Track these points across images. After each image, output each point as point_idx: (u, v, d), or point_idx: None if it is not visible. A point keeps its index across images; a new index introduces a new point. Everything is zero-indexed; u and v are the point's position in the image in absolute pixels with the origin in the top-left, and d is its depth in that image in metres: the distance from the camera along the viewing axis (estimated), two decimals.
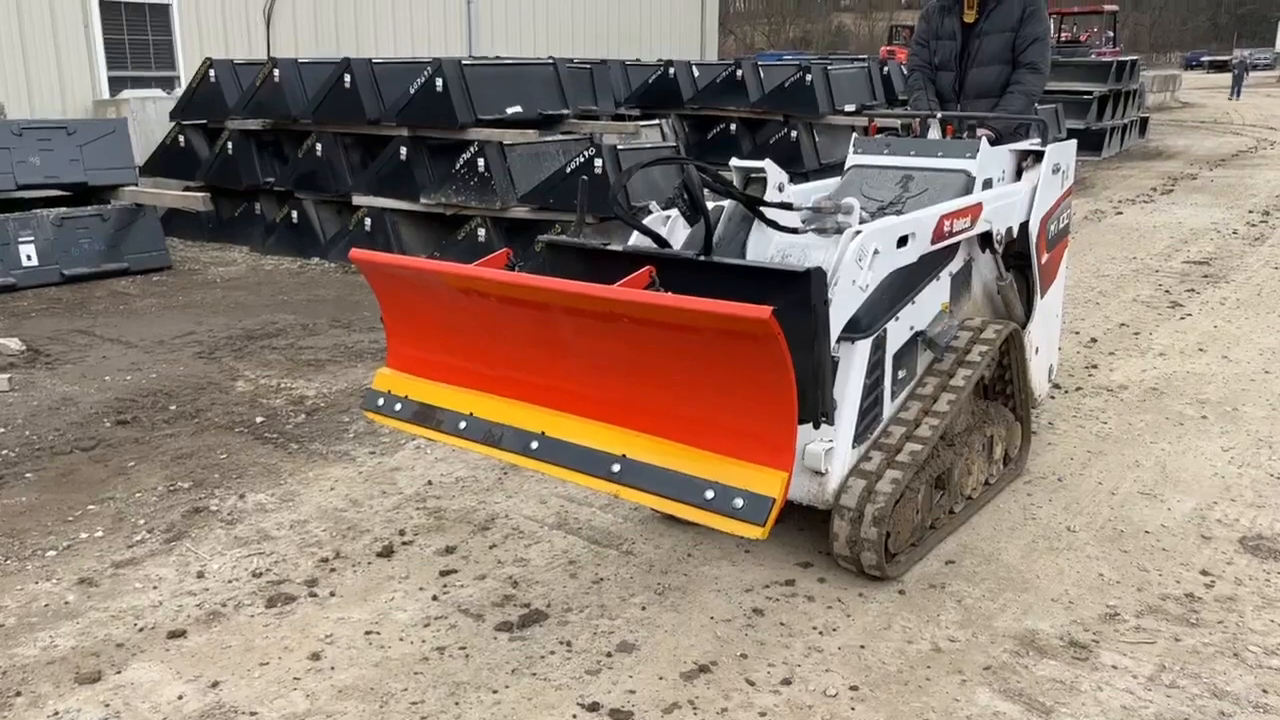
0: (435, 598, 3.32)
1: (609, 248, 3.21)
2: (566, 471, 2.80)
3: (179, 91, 11.52)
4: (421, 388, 3.14)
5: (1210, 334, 6.57)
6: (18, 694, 2.82)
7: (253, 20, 13.65)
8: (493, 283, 2.90)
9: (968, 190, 4.13)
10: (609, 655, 2.99)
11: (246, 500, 4.08)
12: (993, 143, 4.40)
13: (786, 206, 3.53)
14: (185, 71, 12.49)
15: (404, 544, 3.70)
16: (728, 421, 2.54)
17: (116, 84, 12.28)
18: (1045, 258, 4.53)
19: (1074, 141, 4.80)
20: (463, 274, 2.95)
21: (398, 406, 3.15)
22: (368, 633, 3.12)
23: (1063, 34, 28.07)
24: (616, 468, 2.68)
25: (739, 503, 2.45)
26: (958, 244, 3.88)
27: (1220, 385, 5.54)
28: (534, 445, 2.85)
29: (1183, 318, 6.99)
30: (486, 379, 3.03)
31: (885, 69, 14.49)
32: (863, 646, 3.05)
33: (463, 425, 3.01)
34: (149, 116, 11.39)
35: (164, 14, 12.77)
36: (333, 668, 2.94)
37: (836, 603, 3.28)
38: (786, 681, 2.87)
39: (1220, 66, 54.69)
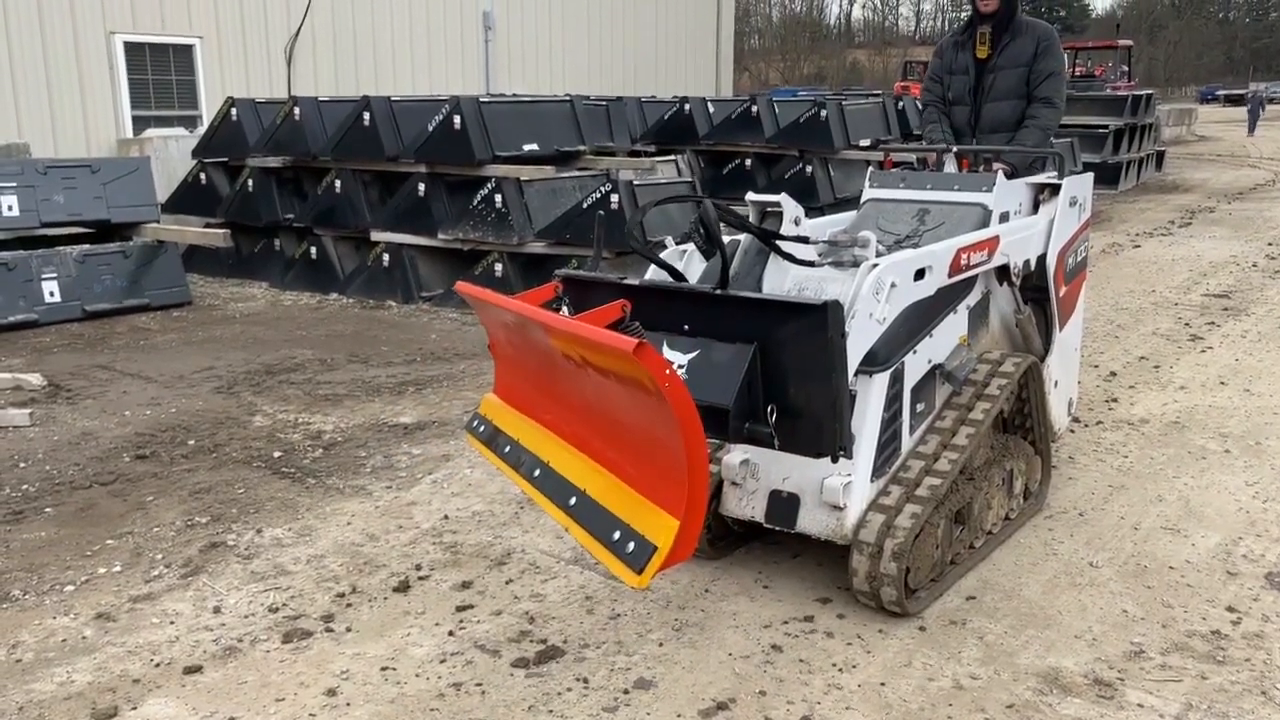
0: (451, 633, 3.31)
1: (625, 282, 3.22)
2: (546, 502, 2.81)
3: (201, 130, 11.68)
4: (502, 413, 3.27)
5: (1231, 367, 6.52)
6: None
7: (274, 60, 13.87)
8: (500, 309, 2.97)
9: (984, 223, 4.13)
10: (626, 692, 2.97)
11: (264, 535, 4.08)
12: (1009, 176, 4.41)
13: (803, 240, 3.54)
14: (207, 110, 12.67)
15: (420, 579, 3.69)
16: (640, 459, 2.45)
17: (140, 123, 12.47)
18: (1063, 291, 4.52)
19: (1091, 174, 4.80)
20: (494, 301, 3.00)
21: (481, 429, 3.29)
22: (384, 669, 3.10)
23: (1077, 68, 28.17)
24: (573, 501, 2.66)
25: (630, 547, 2.34)
26: (975, 277, 3.87)
27: (1243, 419, 5.48)
28: (537, 473, 2.89)
29: (1203, 351, 6.94)
30: (529, 407, 3.11)
31: (900, 104, 14.54)
32: (883, 684, 3.01)
33: (507, 449, 3.09)
34: (171, 154, 11.55)
35: (187, 54, 12.98)
36: (348, 704, 2.92)
37: (856, 639, 3.25)
38: (806, 719, 2.84)
39: (1236, 100, 54.68)
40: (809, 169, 12.10)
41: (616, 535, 2.41)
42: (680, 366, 2.91)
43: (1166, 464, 4.82)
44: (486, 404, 3.38)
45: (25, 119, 11.39)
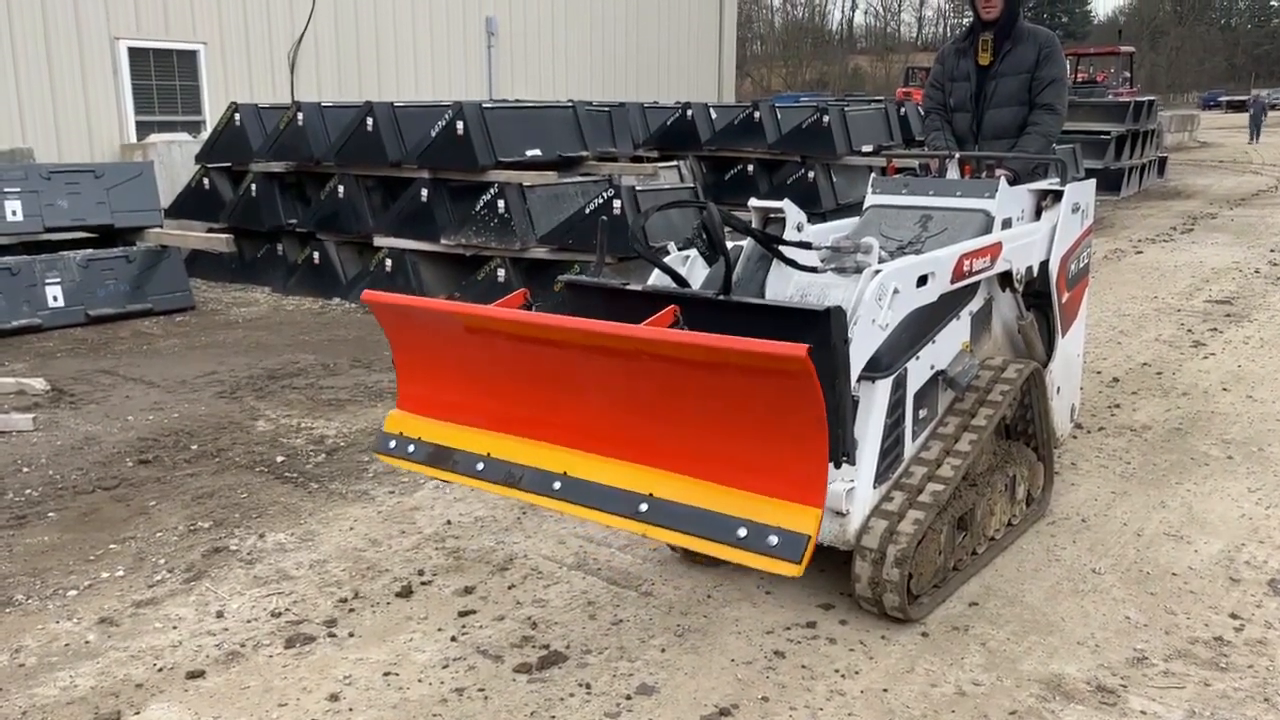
0: (454, 638, 3.31)
1: (628, 287, 3.23)
2: (592, 512, 2.77)
3: (204, 135, 11.71)
4: (434, 429, 3.11)
5: (1234, 373, 6.51)
6: None
7: (277, 65, 13.90)
8: (517, 323, 2.90)
9: (987, 230, 4.13)
10: (628, 698, 2.96)
11: (266, 540, 4.09)
12: (1011, 182, 4.41)
13: (805, 246, 3.55)
14: (211, 116, 12.70)
15: (423, 584, 3.69)
16: (759, 459, 2.54)
17: (143, 128, 12.50)
18: (1066, 297, 4.52)
19: (1093, 181, 4.80)
20: (484, 315, 2.95)
21: (410, 449, 3.12)
22: (386, 674, 3.10)
23: (1079, 75, 28.18)
24: (644, 507, 2.66)
25: (773, 540, 2.46)
26: (978, 283, 3.87)
27: (1245, 425, 5.48)
28: (556, 486, 2.83)
29: (1206, 357, 6.94)
30: (504, 419, 3.01)
31: (902, 110, 14.57)
32: (886, 690, 3.01)
33: (480, 467, 2.98)
34: (174, 160, 11.58)
35: (191, 60, 13.01)
36: (351, 709, 2.92)
37: (859, 645, 3.25)
38: None
39: (1238, 106, 54.67)
40: (811, 175, 12.11)
41: (743, 532, 2.50)
42: None
43: (1169, 470, 4.82)
44: (403, 422, 3.17)
45: (29, 124, 11.43)
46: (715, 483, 2.60)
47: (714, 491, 2.59)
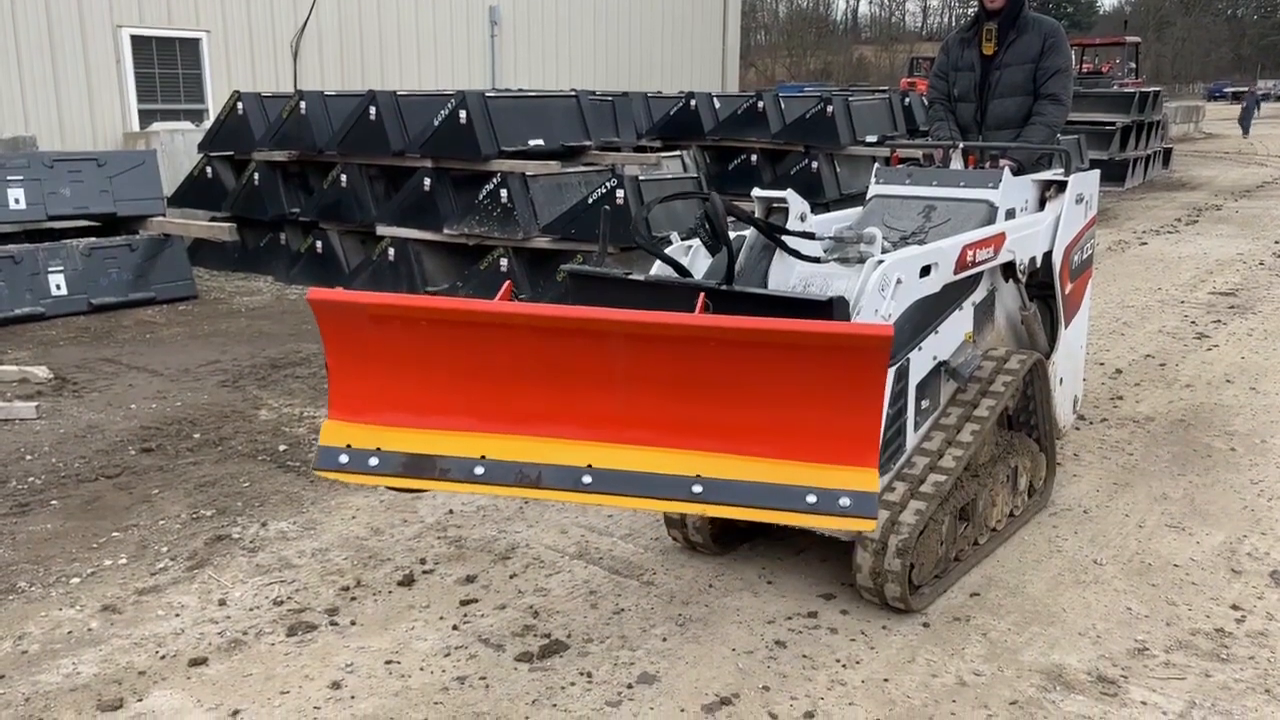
0: (456, 627, 3.31)
1: (631, 277, 3.22)
2: (636, 500, 2.70)
3: (207, 124, 11.69)
4: (397, 436, 2.81)
5: (1238, 365, 6.50)
6: None
7: (280, 54, 13.87)
8: (528, 317, 2.81)
9: (990, 220, 4.12)
10: (630, 686, 2.97)
11: (269, 528, 4.09)
12: (1015, 173, 4.40)
13: (808, 236, 3.54)
14: (214, 104, 12.68)
15: (425, 573, 3.70)
16: (819, 430, 2.60)
17: (146, 117, 12.48)
18: (1069, 288, 4.51)
19: (1097, 172, 4.79)
20: (483, 310, 2.83)
21: (372, 461, 2.77)
22: (388, 662, 3.11)
23: (1084, 65, 28.08)
24: (698, 489, 2.65)
25: (845, 502, 2.55)
26: (981, 274, 3.86)
27: (1248, 417, 5.47)
28: (586, 480, 2.69)
29: (1209, 349, 6.93)
30: (497, 418, 2.82)
31: (906, 100, 14.52)
32: (886, 680, 3.01)
33: (480, 471, 2.75)
34: (177, 148, 11.56)
35: (194, 48, 12.98)
36: (353, 697, 2.93)
37: (860, 635, 3.25)
38: (809, 715, 2.84)
39: (1241, 97, 54.48)
40: (815, 165, 12.09)
41: (813, 499, 2.57)
42: None
43: (1171, 462, 4.81)
44: (347, 432, 2.84)
45: (32, 112, 11.41)
46: (765, 457, 2.63)
47: (767, 465, 2.63)
